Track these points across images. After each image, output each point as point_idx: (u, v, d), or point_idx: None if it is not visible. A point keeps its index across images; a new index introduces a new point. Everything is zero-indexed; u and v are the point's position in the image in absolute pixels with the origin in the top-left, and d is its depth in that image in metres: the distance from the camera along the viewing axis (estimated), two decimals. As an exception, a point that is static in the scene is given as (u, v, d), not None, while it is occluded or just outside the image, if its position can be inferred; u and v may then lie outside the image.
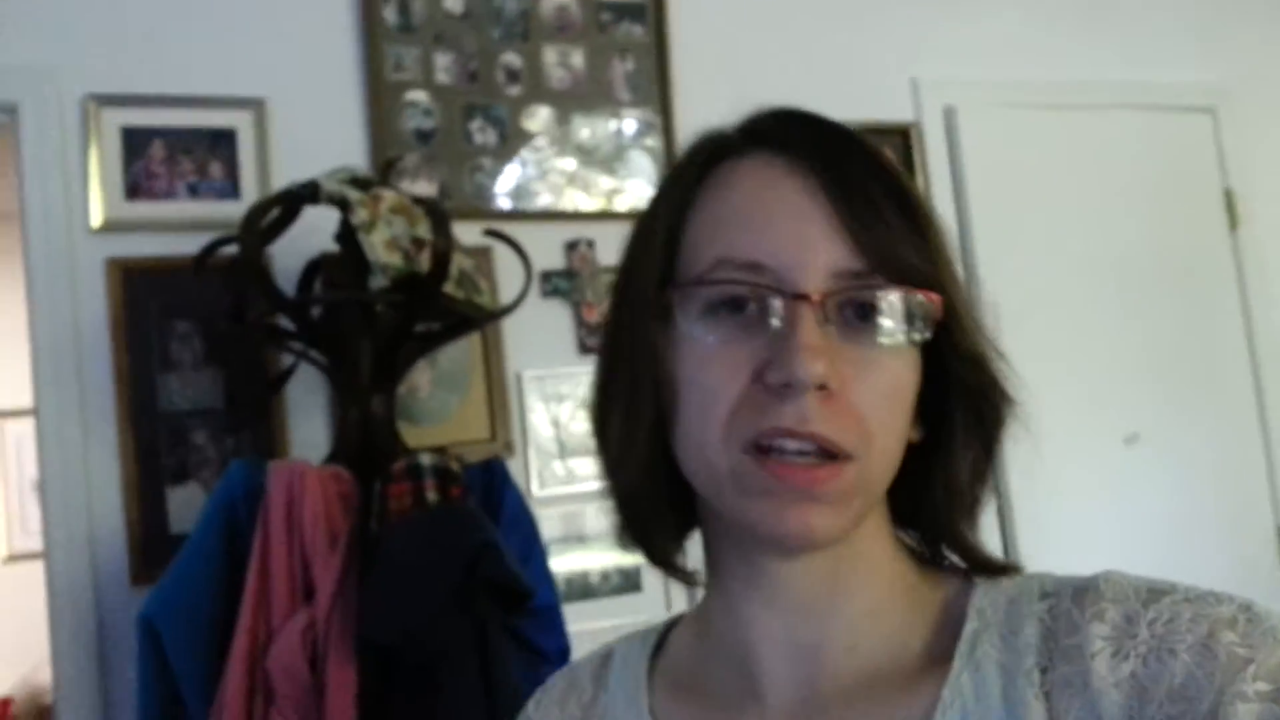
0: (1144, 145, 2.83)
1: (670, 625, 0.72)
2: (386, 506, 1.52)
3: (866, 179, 0.58)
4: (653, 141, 2.31)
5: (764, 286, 0.56)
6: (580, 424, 2.17)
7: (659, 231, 0.62)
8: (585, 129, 2.27)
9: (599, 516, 2.15)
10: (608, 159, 2.29)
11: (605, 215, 2.26)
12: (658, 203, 0.63)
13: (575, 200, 2.25)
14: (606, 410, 0.63)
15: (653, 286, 0.60)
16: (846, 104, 2.60)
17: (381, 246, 1.60)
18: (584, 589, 2.12)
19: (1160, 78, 2.85)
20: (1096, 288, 2.71)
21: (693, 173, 0.62)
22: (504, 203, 2.19)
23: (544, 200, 2.22)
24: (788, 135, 0.60)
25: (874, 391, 0.56)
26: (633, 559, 2.12)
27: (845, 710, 0.58)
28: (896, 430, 0.58)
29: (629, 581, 2.16)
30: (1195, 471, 2.75)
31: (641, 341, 0.61)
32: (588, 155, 2.27)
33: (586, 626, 1.92)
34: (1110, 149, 2.79)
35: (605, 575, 2.15)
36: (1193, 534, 2.69)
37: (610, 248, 2.26)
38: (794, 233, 0.56)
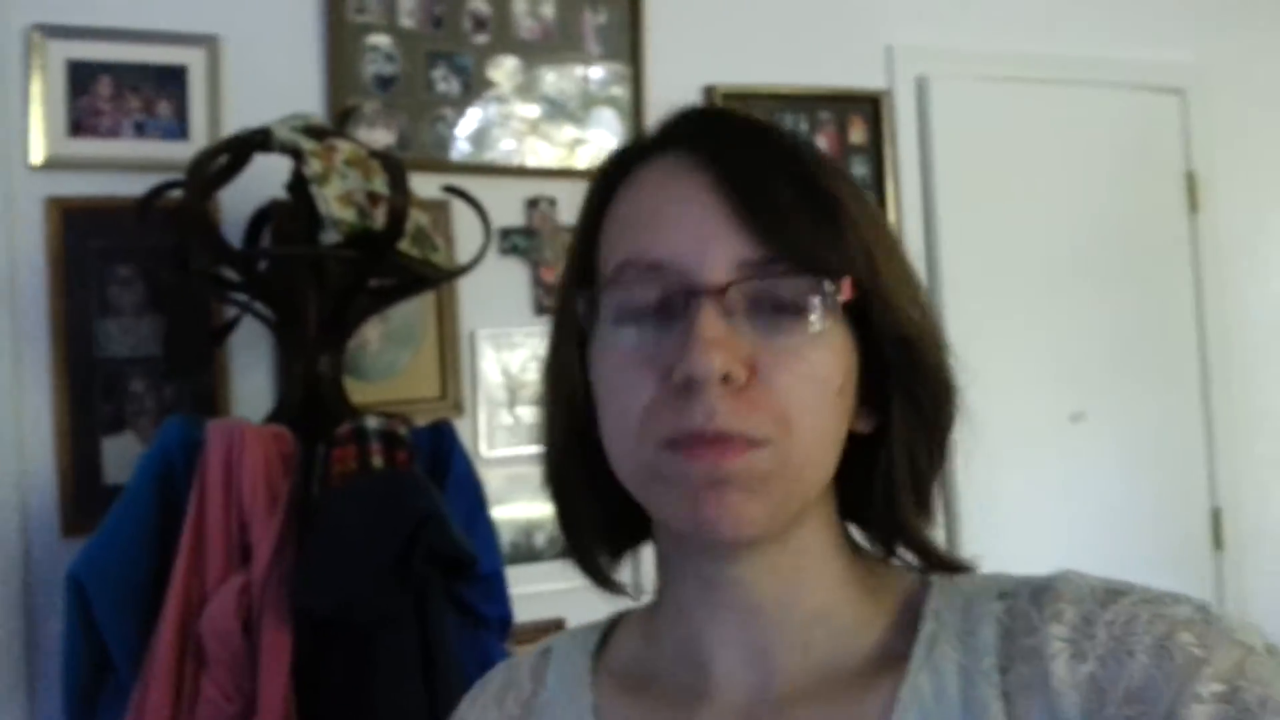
0: (1111, 123, 2.82)
1: (613, 623, 0.71)
2: (329, 470, 1.49)
3: (769, 169, 0.57)
4: (620, 93, 2.26)
5: (666, 285, 0.56)
6: (529, 384, 2.14)
7: (579, 241, 0.63)
8: (552, 79, 2.21)
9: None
10: (574, 111, 2.23)
11: (567, 173, 2.21)
12: (582, 210, 0.64)
13: (538, 151, 2.19)
14: (542, 417, 0.65)
15: (571, 296, 0.61)
16: (818, 69, 2.57)
17: (335, 201, 1.54)
18: (529, 552, 2.10)
19: (1131, 56, 2.84)
20: (1054, 264, 2.72)
21: (609, 177, 0.63)
22: (464, 150, 2.13)
23: (505, 148, 2.16)
24: (693, 134, 0.60)
25: (788, 378, 0.55)
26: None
27: (800, 711, 0.58)
28: (823, 419, 0.57)
29: (576, 545, 2.14)
30: (1138, 452, 2.78)
31: (564, 347, 0.62)
32: (553, 106, 2.21)
33: (530, 589, 1.90)
34: (1078, 125, 2.78)
35: (552, 540, 2.14)
36: (1132, 514, 2.73)
37: (572, 207, 2.21)
38: (693, 229, 0.56)
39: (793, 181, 0.57)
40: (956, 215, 2.62)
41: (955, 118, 2.64)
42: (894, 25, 2.60)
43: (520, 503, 2.10)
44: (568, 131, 2.23)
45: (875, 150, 2.54)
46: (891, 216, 2.51)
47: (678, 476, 0.55)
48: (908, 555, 0.63)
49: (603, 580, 0.66)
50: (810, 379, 0.56)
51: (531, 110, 2.20)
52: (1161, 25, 2.87)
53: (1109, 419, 2.74)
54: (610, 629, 0.71)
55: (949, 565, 0.62)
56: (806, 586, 0.60)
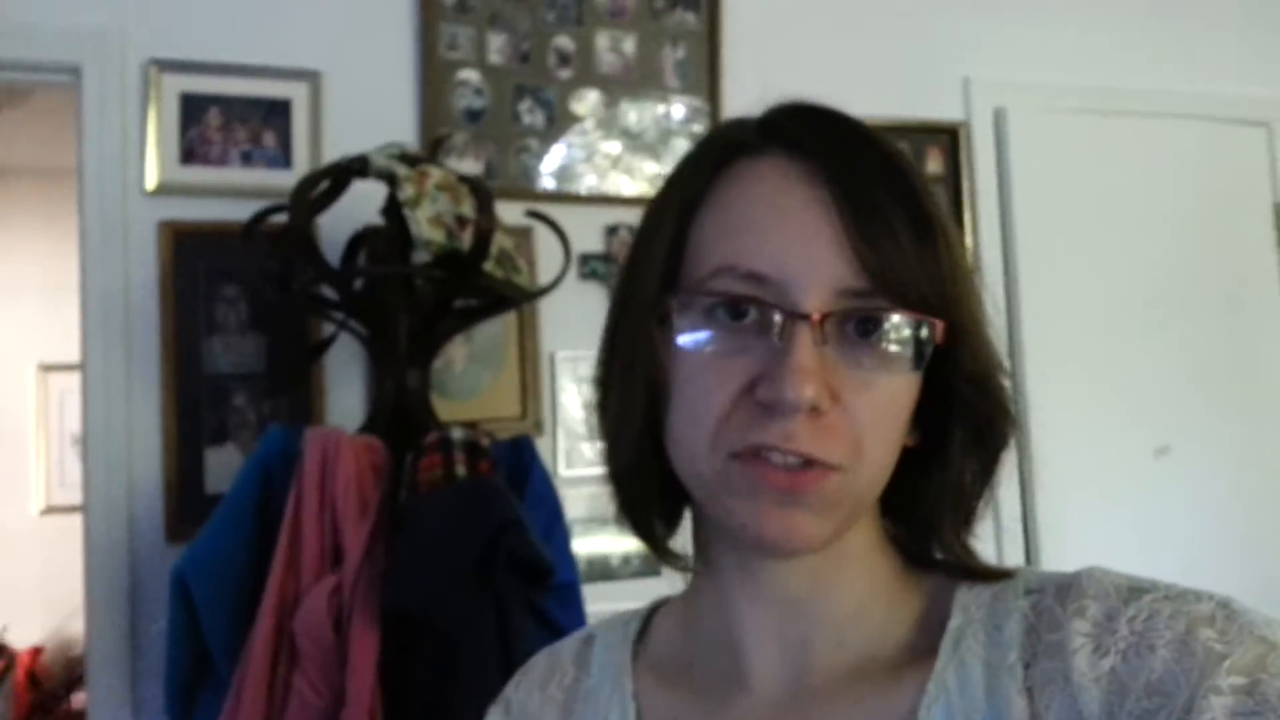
0: (1195, 157, 2.79)
1: (652, 611, 0.72)
2: (416, 478, 1.55)
3: (880, 189, 0.56)
4: (699, 128, 2.32)
5: (764, 302, 0.55)
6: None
7: (666, 227, 0.61)
8: (633, 114, 2.29)
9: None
10: (653, 144, 2.30)
11: (647, 201, 2.26)
12: (668, 194, 0.62)
13: (619, 184, 2.27)
14: (604, 398, 0.64)
15: (654, 285, 0.60)
16: (896, 100, 2.60)
17: (425, 223, 1.62)
18: (604, 570, 2.14)
19: (1215, 89, 2.81)
20: (1137, 298, 2.69)
21: (705, 169, 0.61)
22: (548, 183, 2.21)
23: (588, 183, 2.24)
24: (802, 135, 0.58)
25: (869, 411, 0.55)
26: (656, 544, 2.15)
27: (831, 703, 0.59)
28: (889, 446, 0.58)
29: (649, 566, 2.18)
30: (1223, 488, 2.72)
31: (640, 338, 0.60)
32: (633, 140, 2.29)
33: (605, 607, 1.94)
34: (1160, 159, 2.76)
35: (626, 559, 2.18)
36: (1216, 550, 2.66)
37: (651, 234, 2.27)
38: (799, 246, 0.55)
39: (903, 208, 0.56)
40: (1035, 247, 2.62)
41: (1033, 150, 2.64)
42: (972, 57, 2.63)
43: (597, 522, 2.14)
44: (647, 164, 2.29)
45: (953, 181, 2.56)
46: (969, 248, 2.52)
47: (748, 491, 0.55)
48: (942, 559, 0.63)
49: (663, 552, 0.65)
50: (886, 411, 0.56)
51: (614, 147, 2.27)
52: (1244, 58, 2.85)
53: (1194, 454, 2.69)
54: (649, 616, 0.71)
55: (985, 574, 0.62)
56: (845, 584, 0.61)
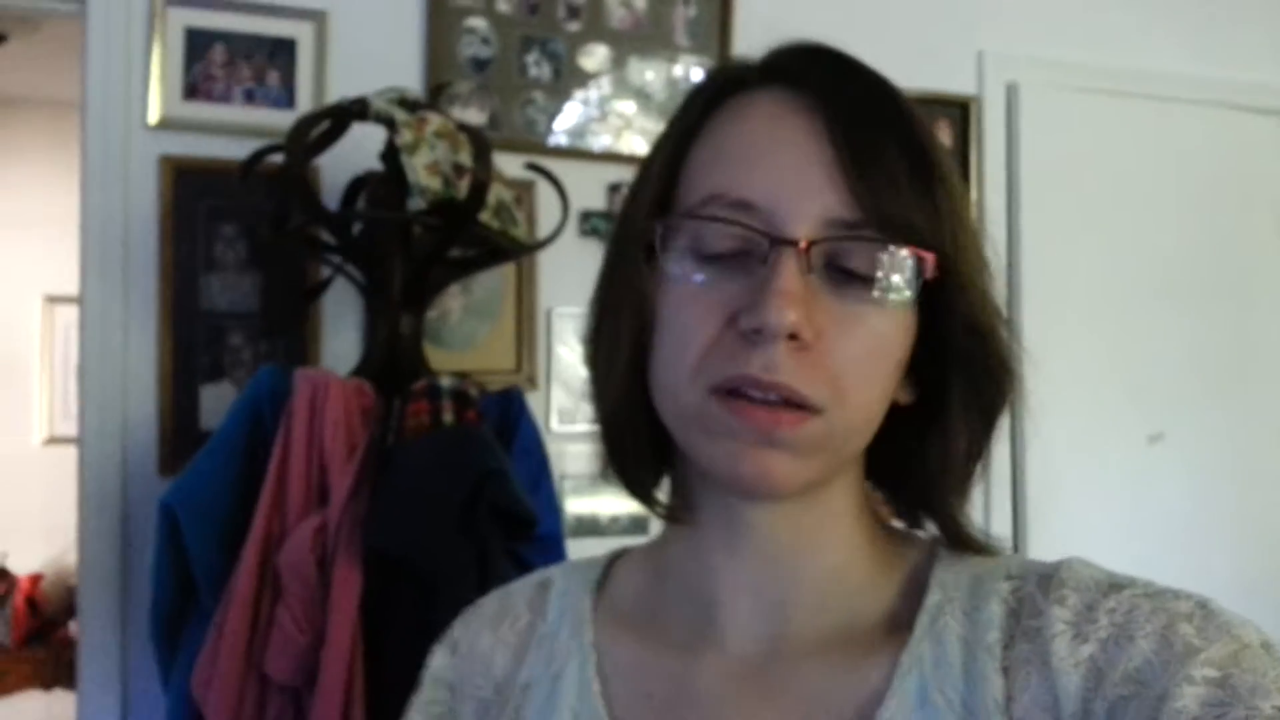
0: (1207, 143, 2.77)
1: (613, 560, 0.71)
2: (403, 423, 1.57)
3: (879, 125, 0.55)
4: (707, 91, 2.31)
5: (751, 228, 0.54)
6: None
7: (660, 160, 0.60)
8: (641, 72, 2.27)
9: (615, 456, 2.18)
10: (662, 102, 2.29)
11: (651, 160, 2.26)
12: (665, 133, 0.62)
13: (624, 139, 2.26)
14: (595, 339, 0.63)
15: (644, 218, 0.59)
16: (909, 70, 2.56)
17: (422, 169, 1.62)
18: (593, 527, 2.16)
19: (1231, 76, 2.79)
20: (1141, 283, 2.68)
21: (700, 104, 0.60)
22: (553, 138, 2.20)
23: (596, 140, 2.23)
24: (804, 72, 0.57)
25: (852, 348, 0.54)
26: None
27: (804, 668, 0.59)
28: (875, 390, 0.56)
29: (636, 525, 2.20)
30: (1217, 475, 2.73)
31: (629, 272, 0.59)
32: (641, 96, 2.27)
33: (591, 561, 1.96)
34: (1170, 143, 2.74)
35: (615, 517, 2.20)
36: (1209, 535, 2.68)
37: (653, 193, 2.27)
38: (791, 175, 0.54)
39: (899, 143, 0.55)
40: (1041, 225, 2.61)
41: (1044, 127, 2.63)
42: (987, 31, 2.60)
43: (587, 479, 2.16)
44: (654, 122, 2.28)
45: (962, 155, 2.55)
46: (972, 220, 2.51)
47: (725, 430, 0.54)
48: (933, 529, 0.62)
49: (650, 501, 0.64)
50: (873, 350, 0.55)
51: (624, 106, 2.26)
52: (1259, 46, 2.81)
53: (1189, 441, 2.70)
54: (610, 564, 0.70)
55: (976, 545, 0.61)
56: (826, 543, 0.60)
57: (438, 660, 0.72)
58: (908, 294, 0.55)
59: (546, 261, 2.13)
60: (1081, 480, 2.59)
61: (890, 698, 0.55)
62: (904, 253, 0.54)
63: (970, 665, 0.55)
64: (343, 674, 1.45)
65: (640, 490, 0.64)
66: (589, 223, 2.20)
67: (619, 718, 0.61)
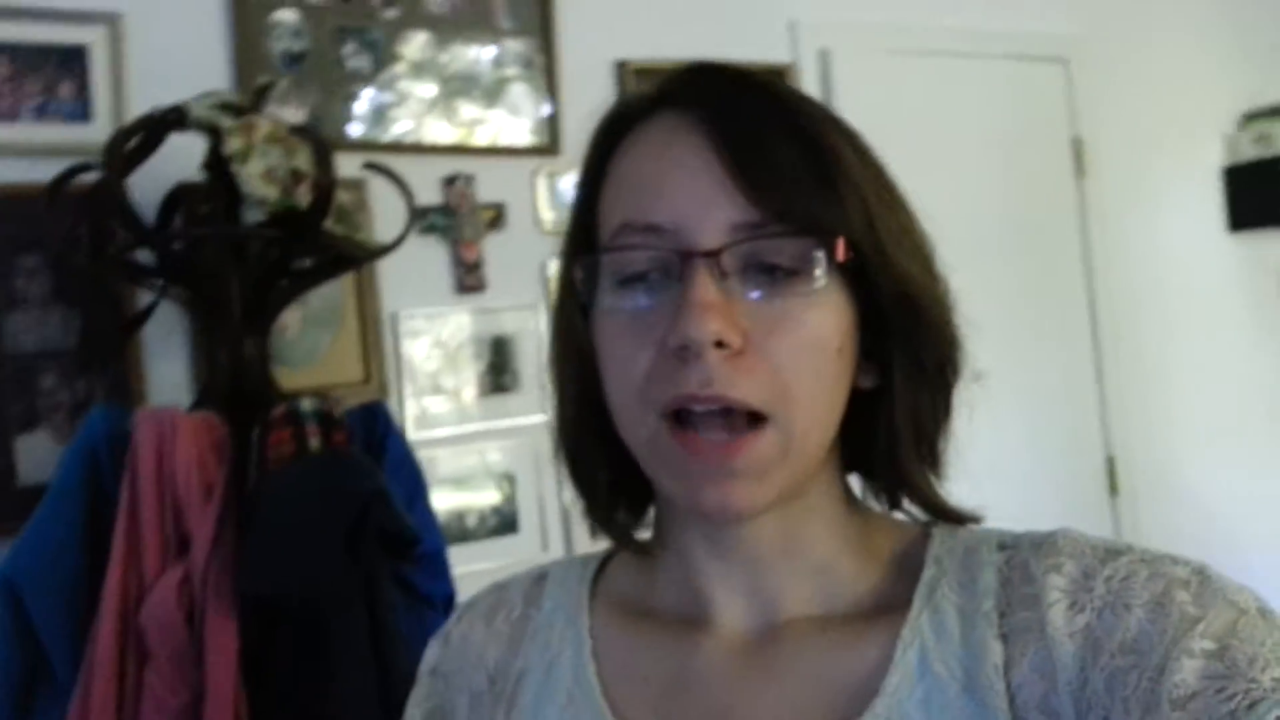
0: (1002, 93, 2.92)
1: (609, 556, 0.72)
2: (266, 454, 1.46)
3: (763, 129, 0.57)
4: (532, 69, 2.25)
5: (660, 249, 0.56)
6: (458, 365, 2.13)
7: (577, 204, 0.63)
8: (463, 54, 2.19)
9: (474, 456, 2.12)
10: (487, 87, 2.21)
11: (485, 150, 2.19)
12: (580, 174, 0.64)
13: (450, 128, 2.17)
14: (553, 383, 0.65)
15: (570, 260, 0.62)
16: (723, 43, 2.60)
17: (257, 178, 1.51)
18: (461, 531, 2.09)
19: (1019, 28, 2.94)
20: (952, 231, 2.77)
21: (601, 142, 0.62)
22: (375, 128, 2.09)
23: (416, 126, 2.13)
24: (689, 92, 0.59)
25: (784, 343, 0.55)
26: (508, 496, 2.11)
27: (800, 647, 0.59)
28: (820, 381, 0.57)
29: (505, 523, 2.15)
30: (1036, 407, 2.91)
31: (566, 313, 0.62)
32: (465, 82, 2.19)
33: (467, 569, 1.90)
34: (972, 96, 2.87)
35: (482, 516, 2.13)
36: (1033, 464, 2.86)
37: (490, 184, 2.20)
38: (689, 192, 0.56)
39: (790, 140, 0.56)
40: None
41: (857, 90, 2.70)
42: (796, 1, 2.64)
43: (448, 484, 2.09)
44: (479, 108, 2.21)
45: (782, 122, 2.58)
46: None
47: (680, 465, 0.56)
48: (912, 506, 0.63)
49: (625, 540, 0.66)
50: (808, 343, 0.56)
51: (442, 87, 2.17)
52: (1043, -1, 2.99)
53: (1008, 377, 2.85)
54: (606, 559, 0.71)
55: (953, 516, 0.62)
56: (809, 539, 0.61)
57: (431, 653, 0.72)
58: (823, 281, 0.56)
59: (387, 264, 2.02)
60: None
61: (893, 671, 0.56)
62: (810, 241, 0.55)
63: (969, 634, 0.56)
64: (230, 732, 1.34)
65: (612, 529, 0.66)
66: (427, 219, 2.11)
67: (615, 700, 0.62)
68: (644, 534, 0.67)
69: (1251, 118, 3.24)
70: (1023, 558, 0.57)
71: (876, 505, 0.65)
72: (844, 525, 0.62)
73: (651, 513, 0.68)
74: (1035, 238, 2.97)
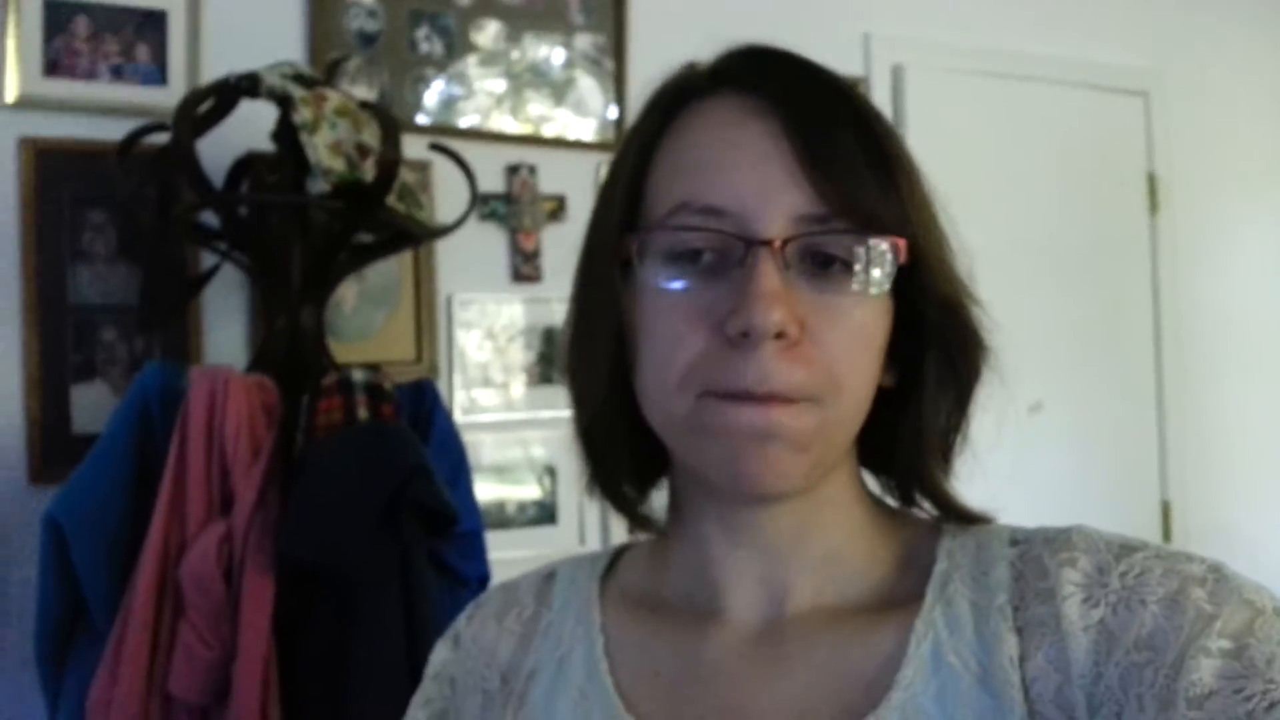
0: (1077, 122, 2.88)
1: (619, 552, 0.72)
2: (314, 421, 1.47)
3: (833, 120, 0.56)
4: (602, 66, 2.25)
5: (723, 233, 0.55)
6: (508, 353, 2.13)
7: (623, 176, 0.61)
8: (534, 45, 2.20)
9: (518, 445, 2.12)
10: (555, 80, 2.22)
11: (549, 142, 2.20)
12: (625, 146, 0.63)
13: (518, 118, 2.18)
14: (573, 354, 0.63)
15: (615, 231, 0.60)
16: (799, 51, 2.58)
17: (325, 149, 1.52)
18: (501, 519, 2.09)
19: (1098, 58, 2.89)
20: (1018, 256, 2.76)
21: (658, 115, 0.61)
22: (445, 112, 2.11)
23: (485, 114, 2.15)
24: (754, 74, 0.59)
25: (840, 339, 0.55)
26: (548, 490, 2.11)
27: (812, 640, 0.59)
28: (864, 378, 0.57)
29: (545, 513, 2.14)
30: (1093, 444, 2.85)
31: (603, 288, 0.60)
32: (535, 74, 2.20)
33: (503, 555, 1.89)
34: (1046, 122, 2.83)
35: (522, 506, 2.13)
36: (1085, 502, 2.79)
37: (552, 175, 2.21)
38: (755, 177, 0.55)
39: (856, 136, 0.56)
40: (926, 204, 2.66)
41: (929, 107, 2.67)
42: (873, 13, 2.63)
43: (491, 471, 2.09)
44: (548, 100, 2.22)
45: (850, 135, 2.56)
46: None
47: (720, 428, 0.54)
48: (925, 504, 0.63)
49: (633, 516, 0.66)
50: (858, 338, 0.56)
51: (511, 81, 2.18)
52: (1127, 30, 2.94)
53: (1066, 410, 2.80)
54: (616, 556, 0.71)
55: (966, 515, 0.62)
56: (825, 531, 0.61)
57: (439, 655, 0.72)
58: (885, 282, 0.56)
59: (445, 247, 2.04)
60: (967, 449, 2.65)
61: (907, 664, 0.55)
62: (876, 241, 0.55)
63: (982, 627, 0.55)
64: (257, 689, 1.35)
65: (623, 504, 0.65)
66: (488, 206, 2.12)
67: (628, 694, 0.61)
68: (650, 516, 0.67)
69: (1332, 162, 3.16)
70: (1036, 552, 0.57)
71: (891, 501, 0.65)
72: (859, 519, 0.62)
73: (655, 499, 0.67)
74: (1104, 271, 2.91)
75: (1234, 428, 2.99)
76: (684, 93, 0.61)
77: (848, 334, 0.55)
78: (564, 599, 0.68)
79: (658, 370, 0.57)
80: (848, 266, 0.55)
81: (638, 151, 0.61)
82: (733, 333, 0.53)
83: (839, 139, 0.56)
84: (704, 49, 0.62)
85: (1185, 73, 2.97)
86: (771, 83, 0.58)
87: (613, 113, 2.25)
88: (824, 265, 0.55)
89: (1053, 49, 2.83)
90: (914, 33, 2.68)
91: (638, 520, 0.66)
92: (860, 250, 0.55)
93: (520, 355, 2.14)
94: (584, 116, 2.24)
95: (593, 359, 0.61)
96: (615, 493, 0.65)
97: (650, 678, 0.62)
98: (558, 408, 2.14)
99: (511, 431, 2.12)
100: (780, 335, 0.53)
